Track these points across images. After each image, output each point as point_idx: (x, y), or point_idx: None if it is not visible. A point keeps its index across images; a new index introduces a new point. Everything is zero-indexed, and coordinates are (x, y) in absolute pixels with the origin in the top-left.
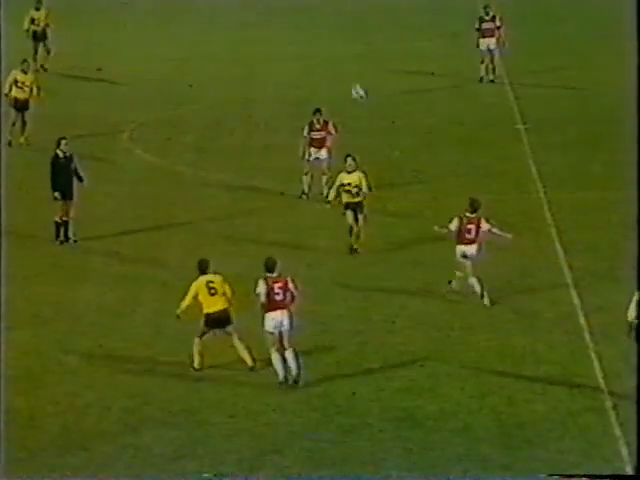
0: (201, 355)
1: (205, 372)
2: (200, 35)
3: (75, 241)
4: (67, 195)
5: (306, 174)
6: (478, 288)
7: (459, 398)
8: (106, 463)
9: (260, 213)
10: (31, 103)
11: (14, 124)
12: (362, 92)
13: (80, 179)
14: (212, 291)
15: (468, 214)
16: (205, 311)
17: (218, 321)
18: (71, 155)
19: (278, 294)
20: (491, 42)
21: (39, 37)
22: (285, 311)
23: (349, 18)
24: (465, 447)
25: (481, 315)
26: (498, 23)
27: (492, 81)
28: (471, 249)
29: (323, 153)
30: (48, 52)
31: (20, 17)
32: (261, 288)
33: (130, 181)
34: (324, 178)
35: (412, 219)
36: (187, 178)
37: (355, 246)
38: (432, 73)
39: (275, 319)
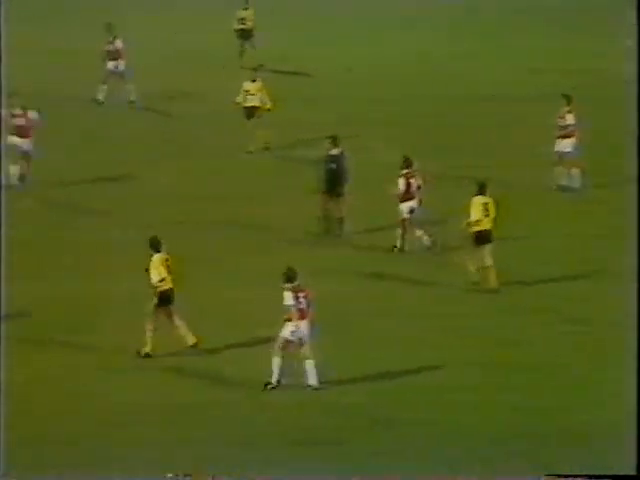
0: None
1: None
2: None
3: (339, 235)
4: (337, 192)
5: (556, 165)
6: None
7: None
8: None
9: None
10: (260, 111)
11: (253, 132)
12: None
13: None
14: (168, 269)
15: (406, 170)
16: (160, 288)
17: (169, 299)
18: (341, 153)
19: (301, 303)
20: None
21: (246, 35)
22: (306, 320)
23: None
24: None
25: None
26: None
27: None
28: (414, 203)
29: (567, 144)
30: (250, 48)
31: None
32: (291, 299)
33: (374, 180)
34: (573, 171)
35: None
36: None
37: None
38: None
39: (297, 327)
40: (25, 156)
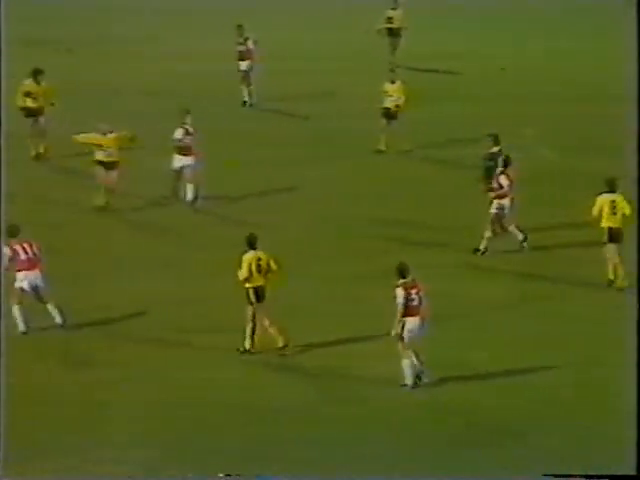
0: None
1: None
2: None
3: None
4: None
5: None
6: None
7: None
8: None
9: None
10: (397, 111)
11: (391, 133)
12: None
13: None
14: (259, 268)
15: (503, 168)
16: (250, 285)
17: (259, 296)
18: (500, 150)
19: (414, 300)
20: None
21: (394, 35)
22: (419, 317)
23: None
24: None
25: None
26: None
27: None
28: (506, 201)
29: None
30: (395, 49)
31: None
32: (402, 296)
33: (533, 180)
34: None
35: None
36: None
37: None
38: None
39: (412, 324)
40: (194, 174)
